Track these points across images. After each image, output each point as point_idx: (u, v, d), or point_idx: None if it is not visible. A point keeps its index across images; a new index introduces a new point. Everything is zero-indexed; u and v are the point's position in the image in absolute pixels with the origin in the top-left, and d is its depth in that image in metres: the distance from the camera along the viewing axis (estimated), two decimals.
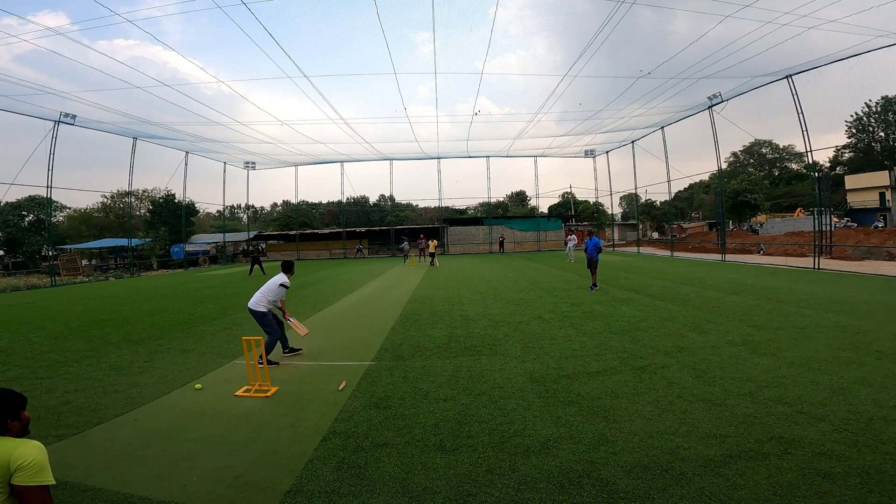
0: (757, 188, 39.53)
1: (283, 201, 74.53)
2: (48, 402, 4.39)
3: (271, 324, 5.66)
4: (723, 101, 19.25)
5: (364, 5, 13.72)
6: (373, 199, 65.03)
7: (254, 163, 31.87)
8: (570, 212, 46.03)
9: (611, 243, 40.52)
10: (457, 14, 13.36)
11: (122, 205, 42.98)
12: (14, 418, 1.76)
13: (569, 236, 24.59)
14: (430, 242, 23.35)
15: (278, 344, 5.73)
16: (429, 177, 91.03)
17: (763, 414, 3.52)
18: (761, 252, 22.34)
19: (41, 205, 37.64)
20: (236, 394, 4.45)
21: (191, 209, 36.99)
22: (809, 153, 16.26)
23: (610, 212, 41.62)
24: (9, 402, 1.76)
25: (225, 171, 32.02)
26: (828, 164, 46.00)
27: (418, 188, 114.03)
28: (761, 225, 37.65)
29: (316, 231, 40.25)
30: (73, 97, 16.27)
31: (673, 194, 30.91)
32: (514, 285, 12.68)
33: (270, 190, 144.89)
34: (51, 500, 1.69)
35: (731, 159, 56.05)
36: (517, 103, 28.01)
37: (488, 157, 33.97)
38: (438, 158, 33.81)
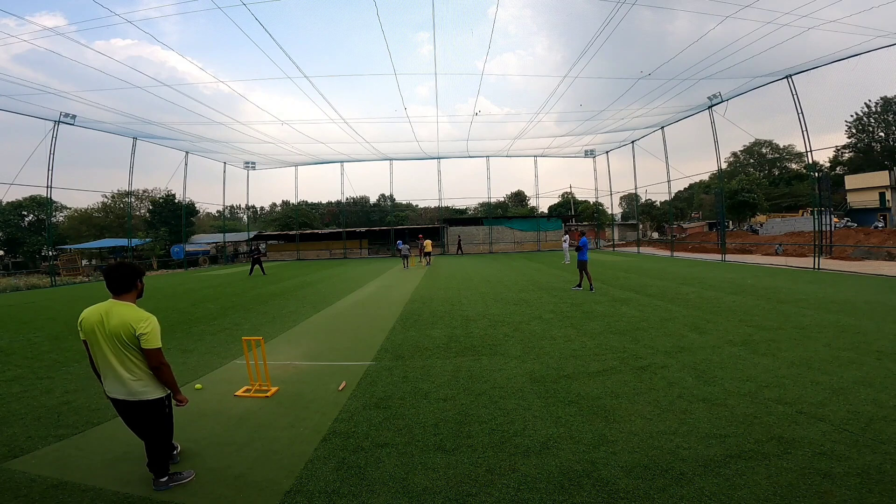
0: (755, 187, 39.55)
1: (283, 201, 74.71)
2: (48, 402, 4.39)
3: None
4: (723, 101, 19.25)
5: (364, 5, 13.73)
6: (373, 199, 65.17)
7: (254, 163, 31.87)
8: (570, 212, 46.04)
9: (611, 243, 40.55)
10: (456, 14, 13.38)
11: (122, 205, 43.02)
12: (140, 280, 2.75)
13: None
14: (425, 242, 23.05)
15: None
16: (429, 177, 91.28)
17: (763, 414, 3.52)
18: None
19: (41, 205, 37.68)
20: (236, 394, 4.45)
21: (191, 209, 37.03)
22: (809, 153, 16.27)
23: (610, 212, 41.63)
24: (137, 268, 2.77)
25: (225, 171, 32.05)
26: (828, 164, 46.01)
27: (418, 188, 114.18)
28: (761, 225, 37.67)
29: (316, 231, 40.25)
30: (73, 97, 16.27)
31: (673, 194, 30.91)
32: (514, 285, 12.68)
33: (270, 190, 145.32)
34: (163, 356, 2.67)
35: (731, 159, 56.11)
36: (517, 103, 28.04)
37: (488, 157, 33.97)
38: (438, 158, 33.81)
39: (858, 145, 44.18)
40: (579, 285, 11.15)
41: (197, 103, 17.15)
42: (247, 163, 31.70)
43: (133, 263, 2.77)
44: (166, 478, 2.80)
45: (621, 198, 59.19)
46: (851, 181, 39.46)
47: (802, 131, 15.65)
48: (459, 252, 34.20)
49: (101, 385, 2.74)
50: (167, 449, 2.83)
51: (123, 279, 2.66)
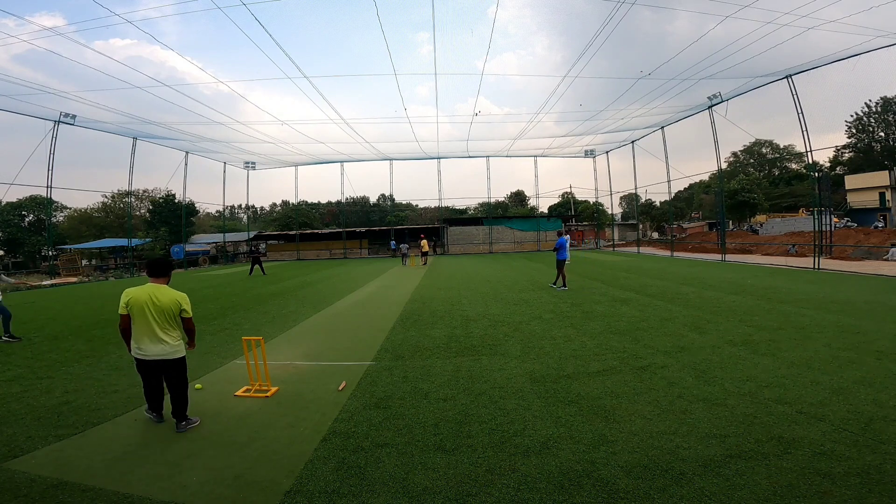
0: (755, 187, 39.54)
1: (283, 201, 74.75)
2: (48, 402, 4.39)
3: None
4: (723, 101, 19.26)
5: (364, 5, 13.73)
6: (373, 199, 65.22)
7: (254, 163, 31.87)
8: (570, 212, 46.05)
9: (611, 243, 40.56)
10: (456, 14, 13.40)
11: (122, 205, 43.07)
12: (171, 270, 3.82)
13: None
14: (422, 241, 23.44)
15: None
16: (429, 177, 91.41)
17: (763, 414, 3.52)
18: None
19: (41, 205, 37.69)
20: (236, 394, 4.45)
21: (191, 209, 37.03)
22: (809, 153, 16.28)
23: (610, 212, 41.64)
24: (173, 262, 4.00)
25: (225, 171, 32.07)
26: (828, 164, 46.01)
27: (418, 188, 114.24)
28: (761, 225, 37.67)
29: (316, 231, 40.28)
30: (73, 97, 16.29)
31: (673, 194, 30.92)
32: (514, 285, 12.68)
33: (270, 190, 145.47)
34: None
35: (731, 159, 56.12)
36: (517, 103, 28.07)
37: (488, 157, 33.98)
38: (438, 158, 33.82)
39: (858, 145, 44.18)
40: (563, 285, 11.28)
41: (197, 103, 17.17)
42: (247, 163, 31.71)
43: (168, 258, 4.08)
44: (184, 422, 3.67)
45: (621, 198, 59.30)
46: (851, 181, 39.45)
47: (802, 131, 15.67)
48: (436, 252, 33.20)
49: (128, 349, 3.65)
50: (186, 398, 3.71)
51: (165, 268, 3.72)
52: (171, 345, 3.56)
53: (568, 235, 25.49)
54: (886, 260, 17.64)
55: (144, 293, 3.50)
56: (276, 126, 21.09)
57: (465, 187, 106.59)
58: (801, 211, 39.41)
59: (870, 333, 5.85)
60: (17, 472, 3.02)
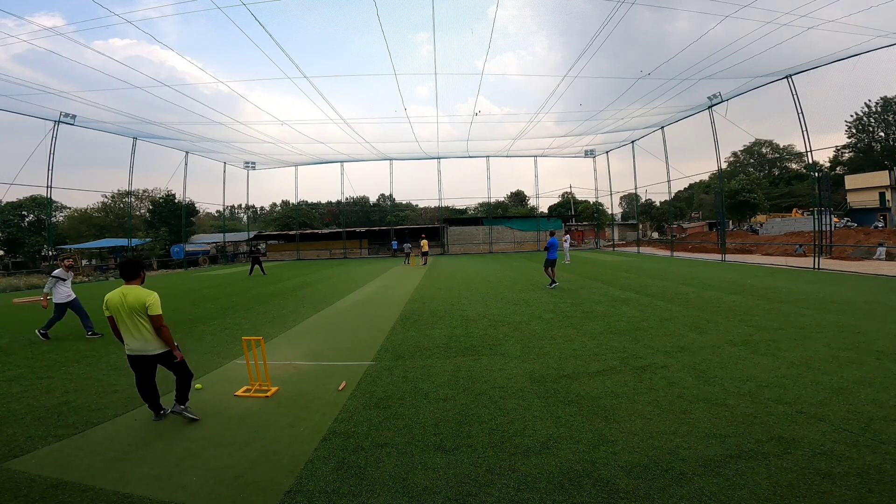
0: (755, 187, 39.57)
1: (283, 201, 74.76)
2: (48, 402, 4.39)
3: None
4: (723, 101, 19.26)
5: (364, 5, 13.73)
6: (373, 199, 65.26)
7: (254, 163, 31.87)
8: (570, 212, 46.05)
9: (611, 243, 40.57)
10: (457, 14, 13.40)
11: (122, 205, 43.04)
12: (143, 271, 3.82)
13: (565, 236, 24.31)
14: (423, 241, 23.49)
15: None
16: (429, 177, 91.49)
17: (763, 414, 3.52)
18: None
19: (41, 205, 37.65)
20: (236, 394, 4.45)
21: (191, 209, 37.01)
22: (809, 153, 16.27)
23: (610, 212, 41.63)
24: (142, 262, 3.89)
25: (225, 171, 32.07)
26: (828, 164, 46.05)
27: (418, 188, 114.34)
28: (761, 225, 37.69)
29: (316, 231, 40.27)
30: (73, 97, 16.29)
31: (673, 194, 30.92)
32: (514, 285, 12.68)
33: (270, 190, 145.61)
34: (163, 321, 3.66)
35: (731, 159, 56.16)
36: (517, 103, 28.06)
37: (488, 157, 33.98)
38: (438, 158, 33.81)
39: (858, 145, 44.22)
40: (553, 281, 11.65)
41: (197, 103, 17.16)
42: (247, 163, 31.70)
43: (139, 259, 3.95)
44: (183, 406, 3.83)
45: (621, 198, 59.36)
46: (851, 181, 39.47)
47: (802, 131, 15.66)
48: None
49: (123, 348, 3.73)
50: (187, 383, 3.87)
51: (133, 269, 3.74)
52: (149, 341, 3.65)
53: (568, 235, 25.50)
54: (877, 259, 17.66)
55: (117, 295, 3.63)
56: (276, 126, 21.11)
57: (465, 187, 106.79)
58: (794, 211, 39.49)
59: (870, 333, 5.85)
60: (17, 472, 3.02)
